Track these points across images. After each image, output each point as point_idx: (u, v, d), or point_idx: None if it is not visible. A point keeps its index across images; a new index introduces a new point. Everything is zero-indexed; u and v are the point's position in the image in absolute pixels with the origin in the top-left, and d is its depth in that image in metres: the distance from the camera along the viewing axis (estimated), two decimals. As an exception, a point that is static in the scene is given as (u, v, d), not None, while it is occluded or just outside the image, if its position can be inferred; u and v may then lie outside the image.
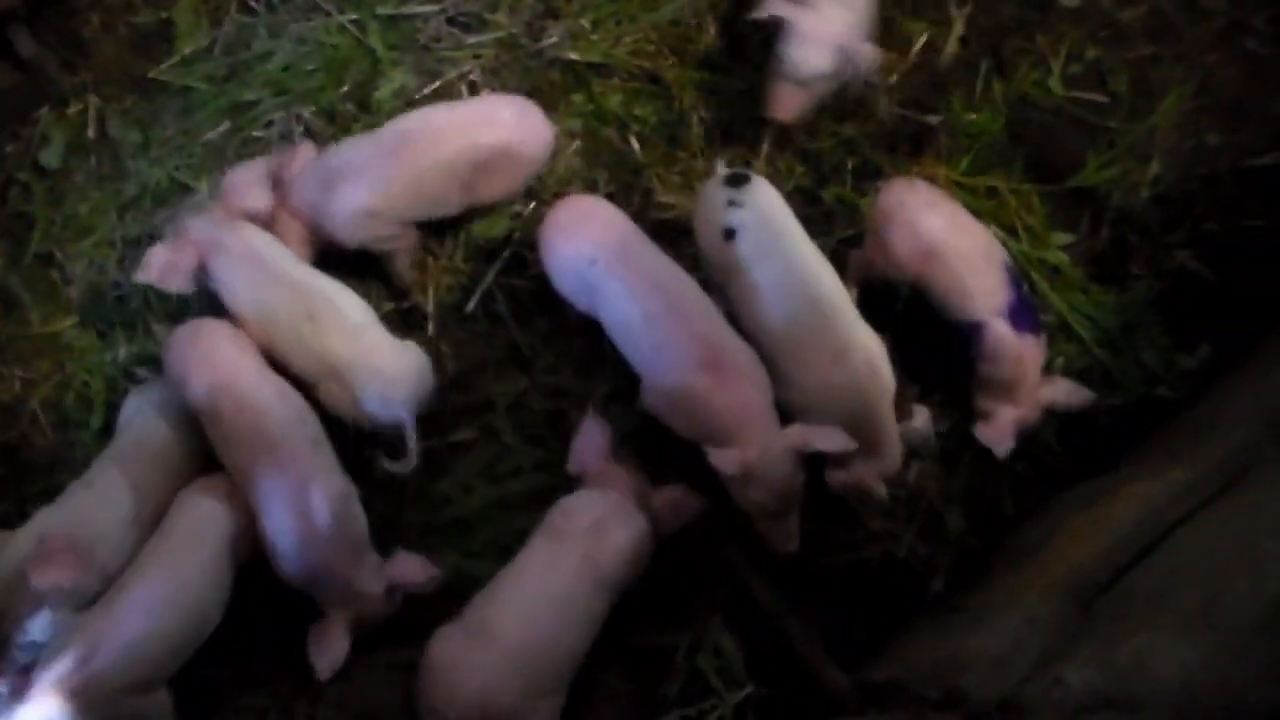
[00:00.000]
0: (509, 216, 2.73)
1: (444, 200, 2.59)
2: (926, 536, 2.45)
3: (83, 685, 2.03)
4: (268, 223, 2.54)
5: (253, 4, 3.00)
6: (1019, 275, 2.41)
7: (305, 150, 2.60)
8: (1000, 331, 2.34)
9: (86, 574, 2.15)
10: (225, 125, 2.89)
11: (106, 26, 3.02)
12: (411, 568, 2.26)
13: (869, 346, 2.27)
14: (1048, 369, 2.45)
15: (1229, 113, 2.78)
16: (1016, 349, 2.34)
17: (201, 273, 2.45)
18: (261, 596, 2.28)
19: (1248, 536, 1.77)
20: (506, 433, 2.56)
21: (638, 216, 2.67)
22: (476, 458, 2.54)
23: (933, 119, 2.78)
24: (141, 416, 2.43)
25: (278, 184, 2.55)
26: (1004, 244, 2.61)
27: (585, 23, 2.93)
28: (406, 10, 2.91)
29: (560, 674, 2.13)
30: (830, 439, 2.18)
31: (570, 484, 2.34)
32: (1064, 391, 2.41)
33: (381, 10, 2.97)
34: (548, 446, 2.51)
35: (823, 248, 2.41)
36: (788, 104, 2.62)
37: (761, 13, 2.61)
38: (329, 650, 2.18)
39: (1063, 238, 2.67)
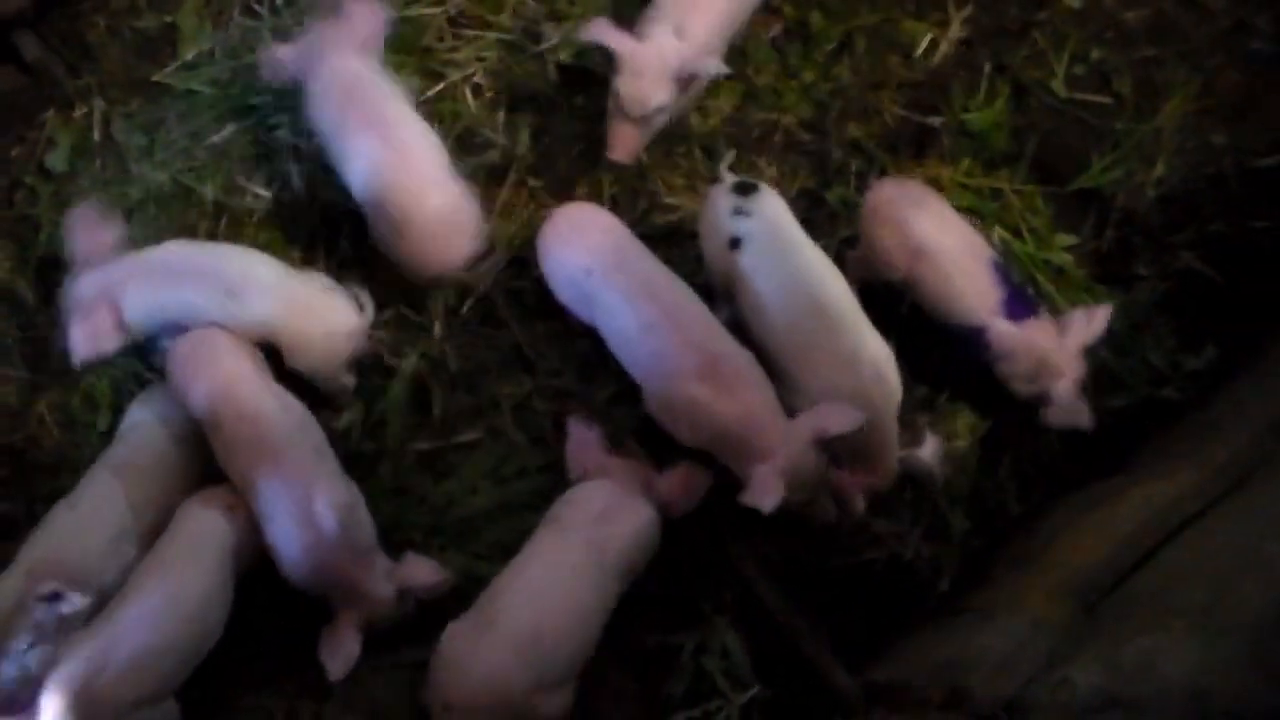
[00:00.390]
0: (511, 220, 2.73)
1: None
2: (931, 537, 2.46)
3: (89, 702, 2.01)
4: None
5: (256, 7, 3.00)
6: (1006, 268, 2.40)
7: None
8: (1003, 329, 2.33)
9: (82, 599, 2.14)
10: (230, 129, 2.89)
11: (111, 30, 3.02)
12: (422, 570, 2.25)
13: (877, 354, 2.27)
14: None
15: (1234, 113, 2.78)
16: (1026, 339, 2.33)
17: (120, 324, 2.41)
18: (266, 597, 2.28)
19: (1253, 538, 1.77)
20: (511, 434, 2.56)
21: (642, 219, 2.68)
22: (481, 459, 2.54)
23: (936, 120, 2.78)
24: (143, 426, 2.42)
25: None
26: (1008, 245, 2.62)
27: (587, 24, 2.93)
28: (409, 13, 2.91)
29: (571, 664, 2.12)
30: (843, 418, 2.14)
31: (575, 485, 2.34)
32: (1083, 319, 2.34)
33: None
34: (552, 447, 2.50)
35: (826, 249, 2.41)
36: (625, 144, 2.54)
37: (589, 35, 2.49)
38: (340, 651, 2.17)
39: (1067, 239, 2.67)
